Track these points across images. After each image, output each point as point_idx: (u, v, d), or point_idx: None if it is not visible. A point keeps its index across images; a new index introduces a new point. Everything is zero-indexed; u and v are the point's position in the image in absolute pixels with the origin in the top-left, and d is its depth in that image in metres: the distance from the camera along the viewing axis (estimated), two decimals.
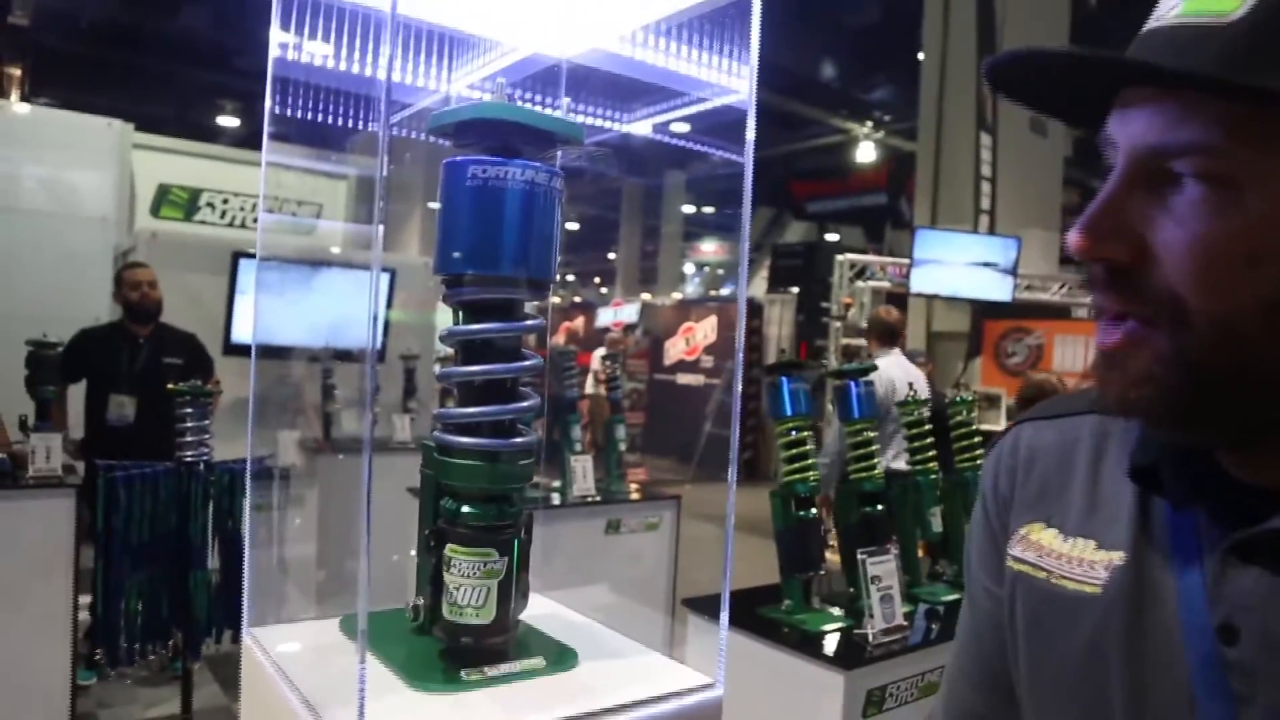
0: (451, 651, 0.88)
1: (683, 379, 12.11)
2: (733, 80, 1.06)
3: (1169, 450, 0.66)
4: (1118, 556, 0.68)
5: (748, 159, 0.89)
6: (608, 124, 1.26)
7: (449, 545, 0.86)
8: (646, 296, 15.81)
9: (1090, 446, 0.75)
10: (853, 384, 2.51)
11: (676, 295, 17.35)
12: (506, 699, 0.83)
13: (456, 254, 0.84)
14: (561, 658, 0.91)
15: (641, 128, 1.26)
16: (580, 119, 1.16)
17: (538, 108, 1.01)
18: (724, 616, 0.94)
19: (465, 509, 0.86)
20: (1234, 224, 0.55)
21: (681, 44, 1.06)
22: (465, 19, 1.07)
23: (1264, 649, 0.59)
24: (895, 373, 3.96)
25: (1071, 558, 0.71)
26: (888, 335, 4.41)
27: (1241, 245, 0.55)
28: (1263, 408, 0.58)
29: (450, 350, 0.89)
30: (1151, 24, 0.59)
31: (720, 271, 21.97)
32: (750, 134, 0.89)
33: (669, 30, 1.07)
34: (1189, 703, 0.61)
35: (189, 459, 2.88)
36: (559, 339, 10.33)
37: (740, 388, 0.93)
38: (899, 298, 9.66)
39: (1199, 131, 0.55)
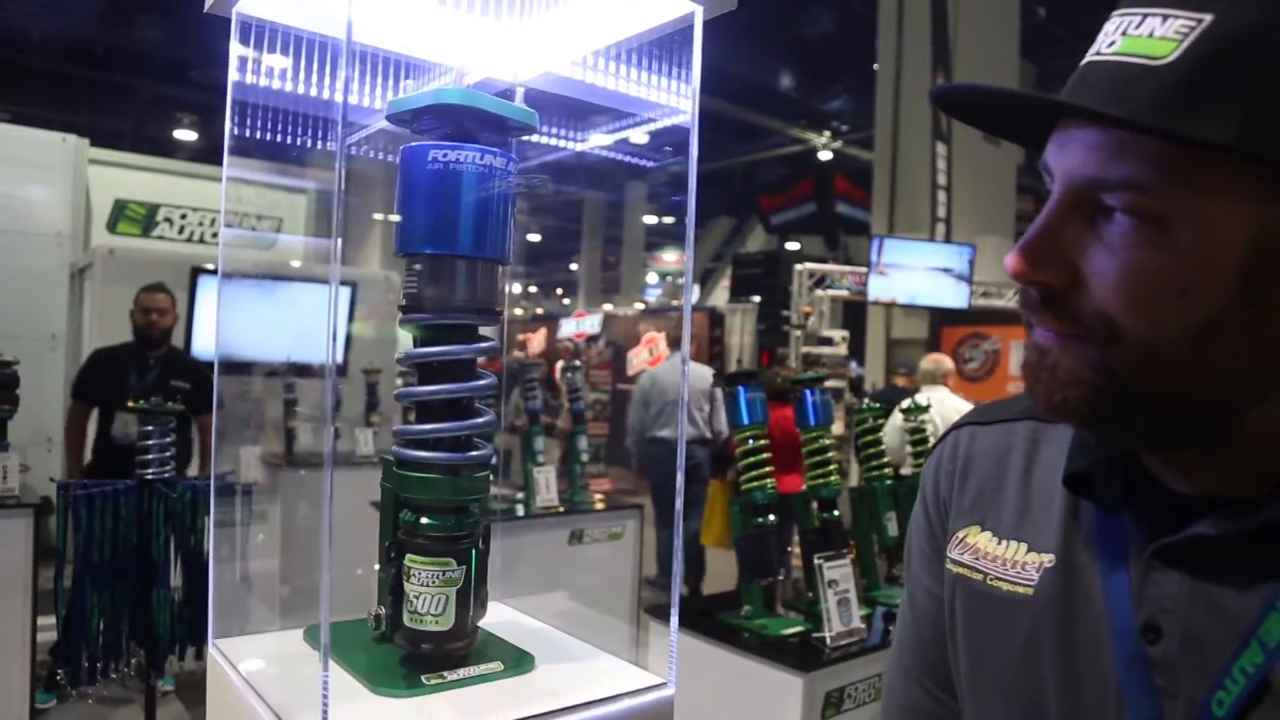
0: (412, 657, 0.91)
1: None
2: (680, 100, 1.11)
3: (1102, 458, 0.69)
4: (1048, 559, 0.72)
5: (691, 175, 0.93)
6: (563, 143, 1.30)
7: (408, 555, 0.89)
8: (608, 307, 15.82)
9: (1023, 452, 0.78)
10: (808, 392, 2.56)
11: (639, 305, 17.37)
12: (466, 701, 0.86)
13: (416, 234, 0.88)
14: (519, 661, 0.94)
15: (595, 144, 1.30)
16: (540, 138, 1.20)
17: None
18: (674, 619, 0.98)
19: (424, 520, 0.89)
20: (1163, 258, 0.57)
21: (632, 67, 1.11)
22: (419, 45, 1.11)
23: (1184, 647, 0.63)
24: (665, 368, 6.03)
25: (1005, 559, 0.75)
26: (673, 343, 6.06)
27: (1170, 278, 0.57)
28: (1182, 422, 0.62)
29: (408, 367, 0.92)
30: (1092, 56, 0.61)
31: (682, 280, 22.00)
32: (693, 150, 0.94)
33: (619, 54, 1.12)
34: (1118, 698, 0.65)
35: (150, 476, 2.87)
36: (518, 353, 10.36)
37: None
38: (858, 305, 9.79)
39: (1132, 169, 0.57)
